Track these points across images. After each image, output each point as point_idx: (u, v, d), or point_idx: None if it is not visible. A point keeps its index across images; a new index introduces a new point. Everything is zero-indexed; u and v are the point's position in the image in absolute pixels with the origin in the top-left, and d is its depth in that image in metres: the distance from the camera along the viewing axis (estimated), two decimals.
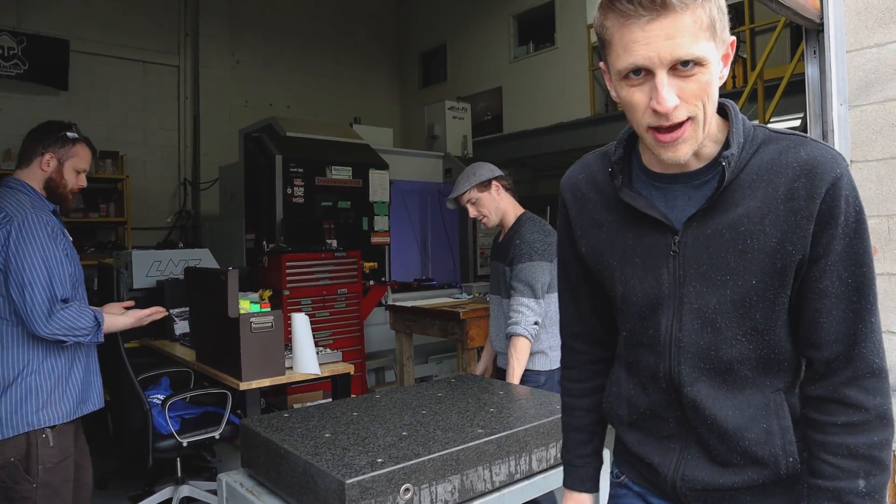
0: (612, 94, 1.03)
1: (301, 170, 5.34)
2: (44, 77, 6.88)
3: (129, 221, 7.26)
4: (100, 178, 7.13)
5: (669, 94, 0.92)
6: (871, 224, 2.45)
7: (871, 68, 2.78)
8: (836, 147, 2.66)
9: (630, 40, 0.92)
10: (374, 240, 5.79)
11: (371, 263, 5.53)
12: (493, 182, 2.76)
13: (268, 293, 3.68)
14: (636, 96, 0.96)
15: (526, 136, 8.18)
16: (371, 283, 5.55)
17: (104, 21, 7.49)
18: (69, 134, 2.38)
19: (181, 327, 4.23)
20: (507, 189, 2.82)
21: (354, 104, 9.43)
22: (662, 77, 0.92)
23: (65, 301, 2.21)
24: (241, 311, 3.13)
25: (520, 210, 2.84)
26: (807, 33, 2.94)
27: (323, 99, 9.25)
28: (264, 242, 5.13)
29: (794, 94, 4.75)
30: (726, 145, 1.02)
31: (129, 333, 4.11)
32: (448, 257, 7.16)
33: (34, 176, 2.33)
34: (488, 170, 2.80)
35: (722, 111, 1.06)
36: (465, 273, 7.08)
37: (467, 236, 7.14)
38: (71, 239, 2.41)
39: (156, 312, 2.71)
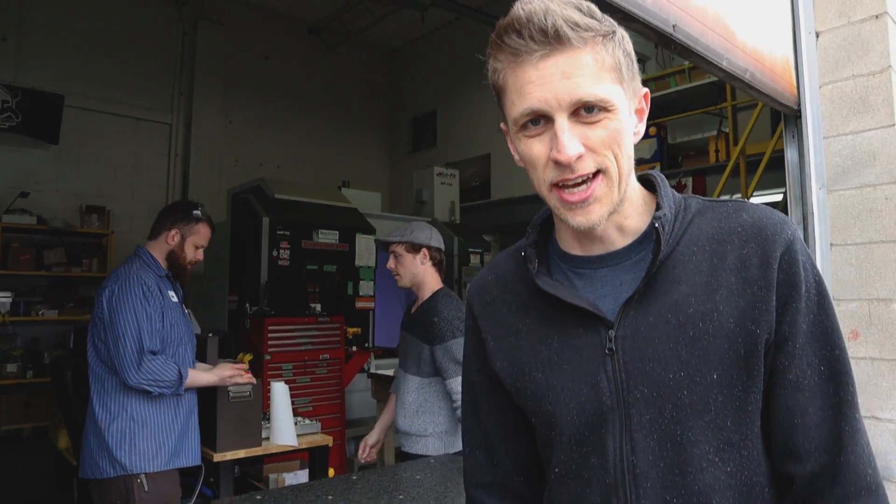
0: (515, 156, 0.89)
1: (288, 232, 5.34)
2: (36, 130, 6.93)
3: None
4: (84, 232, 7.10)
5: (571, 141, 0.79)
6: (852, 308, 2.47)
7: (847, 154, 2.85)
8: (817, 231, 2.71)
9: (524, 82, 0.80)
10: (359, 304, 5.75)
11: (355, 329, 5.48)
12: (423, 249, 2.74)
13: (248, 357, 3.62)
14: (535, 148, 0.82)
15: (513, 203, 8.28)
16: (354, 348, 5.48)
17: (100, 77, 7.60)
18: (195, 213, 2.70)
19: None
20: (434, 262, 2.79)
21: (344, 166, 9.53)
22: (562, 122, 0.79)
23: (153, 353, 2.43)
24: None
25: (439, 285, 2.79)
26: (785, 118, 3.03)
27: (313, 160, 9.35)
28: (247, 305, 5.08)
29: (776, 169, 4.86)
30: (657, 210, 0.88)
31: None
32: None
33: (159, 247, 2.63)
34: (426, 236, 2.77)
35: (649, 185, 0.93)
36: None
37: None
38: (177, 301, 2.70)
39: (237, 374, 2.83)
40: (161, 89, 8.20)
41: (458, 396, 2.52)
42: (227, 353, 3.77)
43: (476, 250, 7.25)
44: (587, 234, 0.88)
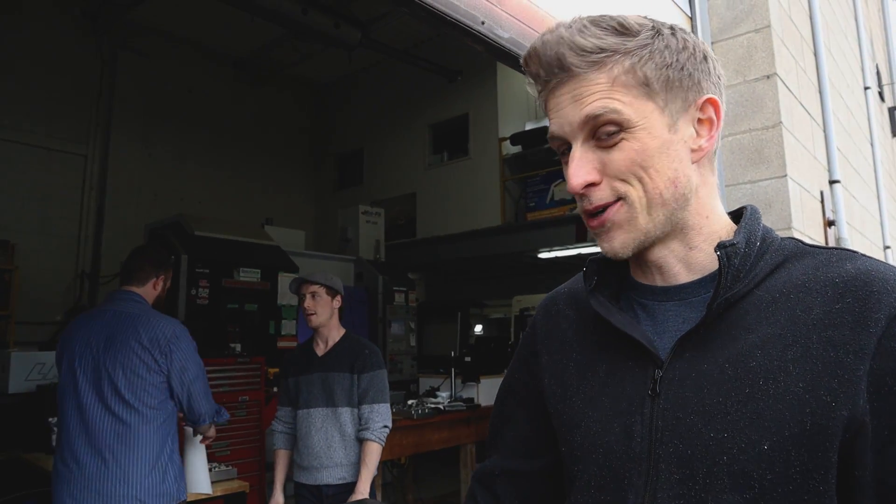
0: None
1: (207, 270, 5.20)
2: None
3: (14, 316, 6.76)
4: None
5: (578, 169, 0.75)
6: None
7: (746, 202, 3.05)
8: None
9: (548, 109, 0.79)
10: (281, 344, 5.63)
11: (275, 369, 5.35)
12: (339, 296, 3.06)
13: None
14: (567, 176, 0.78)
15: (438, 241, 8.37)
16: (275, 389, 5.34)
17: (9, 104, 7.26)
18: (172, 259, 2.97)
19: None
20: (339, 310, 3.09)
21: (269, 202, 9.40)
22: (575, 148, 0.76)
23: None
24: None
25: (342, 329, 3.10)
26: None
27: (236, 196, 9.18)
28: None
29: None
30: None
31: None
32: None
33: (148, 293, 2.76)
34: (340, 285, 3.09)
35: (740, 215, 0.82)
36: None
37: (377, 342, 7.08)
38: None
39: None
40: (76, 119, 7.88)
41: (380, 418, 2.86)
42: None
43: (401, 289, 7.25)
44: (645, 263, 0.81)
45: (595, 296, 0.82)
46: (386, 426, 2.89)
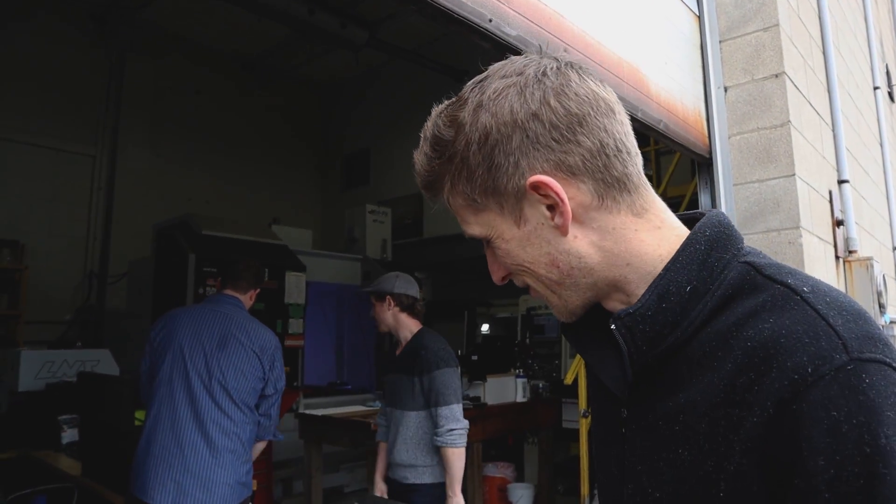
0: None
1: (215, 269, 5.22)
2: None
3: (24, 315, 6.81)
4: None
5: (490, 267, 0.79)
6: None
7: (754, 200, 3.05)
8: None
9: None
10: (288, 343, 5.64)
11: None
12: (388, 297, 3.07)
13: None
14: None
15: (445, 241, 8.36)
16: None
17: (18, 106, 7.30)
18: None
19: (69, 436, 3.91)
20: (402, 307, 3.08)
21: (276, 202, 9.42)
22: (486, 249, 0.79)
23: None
24: (137, 423, 2.95)
25: (417, 327, 3.09)
26: (698, 166, 3.22)
27: (244, 196, 9.21)
28: None
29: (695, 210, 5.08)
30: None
31: (6, 442, 3.80)
32: (364, 361, 7.05)
33: (245, 302, 3.03)
34: (389, 284, 3.10)
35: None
36: (380, 378, 6.97)
37: (384, 341, 7.09)
38: None
39: None
40: (85, 120, 7.93)
41: (444, 422, 2.81)
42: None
43: None
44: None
45: (569, 332, 0.80)
46: (452, 429, 2.81)
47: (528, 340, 6.43)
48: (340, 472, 5.86)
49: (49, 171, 7.56)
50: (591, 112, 0.70)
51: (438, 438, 2.81)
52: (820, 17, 3.72)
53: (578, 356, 4.45)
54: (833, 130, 3.63)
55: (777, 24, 3.02)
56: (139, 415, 2.97)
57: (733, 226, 0.72)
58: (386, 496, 3.04)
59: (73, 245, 7.69)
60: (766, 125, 3.02)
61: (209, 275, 5.20)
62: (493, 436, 5.25)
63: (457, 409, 2.85)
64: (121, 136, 8.09)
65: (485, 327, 8.53)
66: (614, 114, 0.72)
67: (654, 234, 0.72)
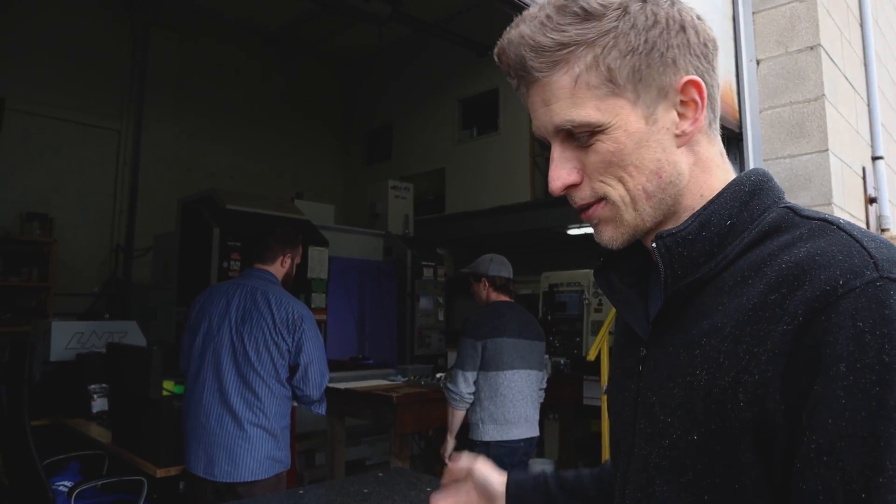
0: None
1: (239, 243, 5.26)
2: None
3: (53, 287, 6.94)
4: (24, 240, 6.85)
5: (556, 171, 0.74)
6: None
7: (785, 177, 2.98)
8: None
9: (527, 106, 0.77)
10: None
11: None
12: (483, 279, 3.47)
13: None
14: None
15: (467, 217, 8.34)
16: None
17: (45, 81, 7.37)
18: (300, 237, 3.22)
19: (99, 405, 4.00)
20: (496, 287, 3.48)
21: (298, 177, 9.46)
22: (554, 149, 0.75)
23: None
24: (165, 393, 3.01)
25: (503, 299, 3.52)
26: (728, 141, 3.15)
27: (266, 171, 9.25)
28: None
29: None
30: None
31: (40, 410, 3.89)
32: (386, 336, 7.10)
33: (277, 271, 3.04)
34: (484, 267, 3.48)
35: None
36: (401, 353, 7.01)
37: (405, 316, 7.12)
38: None
39: None
40: (109, 95, 7.99)
41: (449, 381, 3.44)
42: (174, 366, 3.68)
43: (429, 264, 7.27)
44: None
45: (601, 276, 0.83)
46: (450, 390, 3.33)
47: (549, 317, 6.42)
48: (362, 444, 5.93)
49: (75, 145, 7.65)
50: (716, 53, 0.76)
51: (444, 391, 3.40)
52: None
53: (601, 333, 4.44)
54: (868, 105, 3.53)
55: None
56: (167, 385, 3.03)
57: (775, 180, 0.75)
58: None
59: (100, 219, 7.79)
60: (799, 99, 2.94)
61: (233, 249, 5.24)
62: None
63: (458, 374, 3.31)
64: (145, 111, 8.15)
65: None
66: None
67: (725, 174, 0.76)
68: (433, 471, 5.25)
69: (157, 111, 8.27)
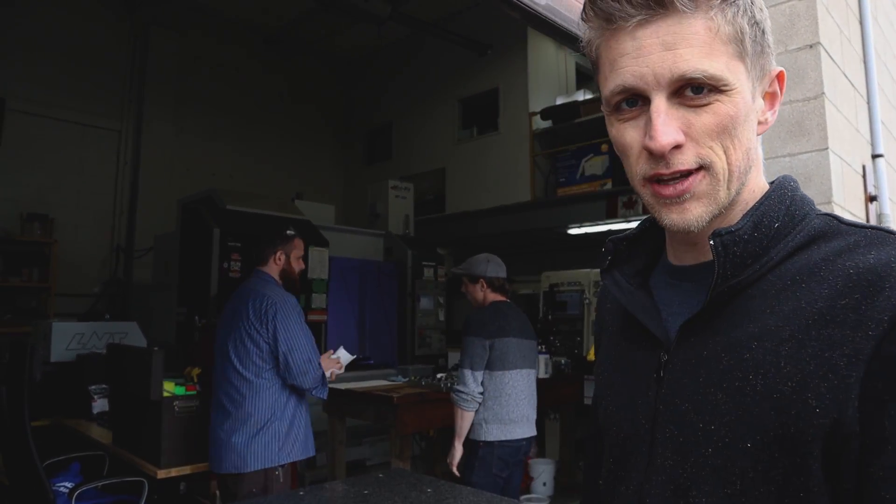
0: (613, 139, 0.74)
1: (239, 244, 5.26)
2: None
3: (54, 288, 6.94)
4: (25, 240, 6.85)
5: (667, 126, 0.65)
6: None
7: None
8: None
9: (617, 54, 0.67)
10: (311, 317, 5.69)
11: None
12: (481, 280, 3.43)
13: (197, 371, 3.55)
14: (628, 134, 0.69)
15: (467, 217, 8.34)
16: None
17: (45, 81, 7.37)
18: (288, 233, 3.22)
19: (100, 405, 4.00)
20: (494, 288, 3.45)
21: (298, 177, 9.46)
22: (659, 103, 0.65)
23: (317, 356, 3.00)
24: (165, 394, 3.01)
25: (501, 299, 3.48)
26: None
27: (267, 170, 9.25)
28: (196, 317, 4.98)
29: None
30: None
31: (40, 411, 3.90)
32: (386, 336, 7.09)
33: (272, 269, 3.12)
34: (482, 268, 3.44)
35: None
36: (402, 353, 7.01)
37: (405, 316, 7.11)
38: None
39: (333, 367, 3.23)
40: (110, 95, 7.99)
41: (456, 382, 3.33)
42: (174, 367, 3.68)
43: (430, 263, 7.26)
44: (682, 240, 0.76)
45: (609, 275, 0.81)
46: (459, 390, 3.23)
47: (550, 317, 6.42)
48: (363, 445, 5.93)
49: (76, 145, 7.65)
50: None
51: (452, 394, 3.28)
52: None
53: None
54: (868, 103, 3.52)
55: None
56: (167, 386, 3.03)
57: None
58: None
59: (100, 219, 7.80)
60: (798, 97, 2.94)
61: (233, 249, 5.24)
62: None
63: (466, 374, 3.22)
64: (146, 111, 8.15)
65: None
66: None
67: (762, 176, 0.76)
68: (434, 471, 5.25)
69: (157, 111, 8.27)
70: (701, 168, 0.67)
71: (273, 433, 2.85)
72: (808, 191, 2.89)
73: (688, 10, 0.64)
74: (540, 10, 1.59)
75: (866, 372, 0.58)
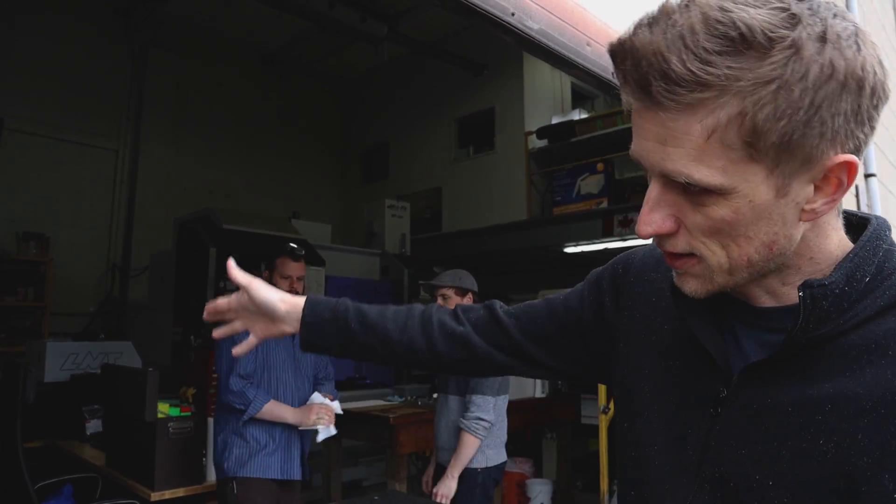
0: None
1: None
2: None
3: (49, 307, 6.92)
4: (20, 260, 6.84)
5: (650, 215, 0.64)
6: None
7: None
8: None
9: (632, 120, 0.64)
10: None
11: None
12: (470, 293, 3.24)
13: (192, 391, 3.54)
14: (640, 214, 0.68)
15: (464, 235, 8.35)
16: None
17: (43, 101, 7.39)
18: (292, 246, 3.15)
19: (93, 426, 3.97)
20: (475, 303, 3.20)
21: (295, 196, 9.47)
22: (652, 189, 0.64)
23: (244, 377, 2.86)
24: (160, 415, 2.99)
25: None
26: None
27: (263, 189, 9.26)
28: (192, 337, 4.96)
29: None
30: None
31: (33, 431, 3.87)
32: None
33: None
34: (470, 282, 3.28)
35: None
36: (398, 373, 6.98)
37: None
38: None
39: (321, 416, 3.05)
40: (108, 114, 8.01)
41: (476, 409, 3.00)
42: (170, 387, 3.66)
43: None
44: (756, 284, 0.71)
45: (681, 296, 0.71)
46: (480, 417, 3.00)
47: None
48: (359, 465, 5.89)
49: (73, 165, 7.66)
50: (885, 101, 0.61)
51: (465, 422, 3.01)
52: (847, 9, 3.65)
53: None
54: None
55: None
56: (162, 407, 3.01)
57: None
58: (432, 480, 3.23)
59: (97, 238, 7.79)
60: None
61: None
62: (512, 431, 5.21)
63: (488, 401, 3.03)
64: (143, 130, 8.18)
65: None
66: None
67: (838, 234, 0.67)
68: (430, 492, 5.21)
69: (154, 131, 8.30)
70: (692, 255, 0.65)
71: (227, 446, 2.88)
72: None
73: (674, 109, 0.57)
74: (533, 34, 1.61)
75: None
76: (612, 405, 4.31)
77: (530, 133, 8.14)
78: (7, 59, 7.11)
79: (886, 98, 0.60)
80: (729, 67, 0.54)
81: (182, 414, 3.07)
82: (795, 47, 0.54)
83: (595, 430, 4.61)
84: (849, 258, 0.63)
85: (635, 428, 0.78)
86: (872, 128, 0.60)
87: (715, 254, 0.63)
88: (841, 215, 0.68)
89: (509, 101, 8.45)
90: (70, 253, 7.40)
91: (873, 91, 0.58)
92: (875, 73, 0.58)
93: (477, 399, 3.00)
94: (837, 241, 0.67)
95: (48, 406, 4.05)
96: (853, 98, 0.56)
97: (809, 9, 0.56)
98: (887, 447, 0.56)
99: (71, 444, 3.84)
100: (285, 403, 2.96)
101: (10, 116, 6.87)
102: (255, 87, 9.57)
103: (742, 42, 0.54)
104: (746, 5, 0.55)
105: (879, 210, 3.48)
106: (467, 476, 3.08)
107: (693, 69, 0.55)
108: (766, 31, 0.54)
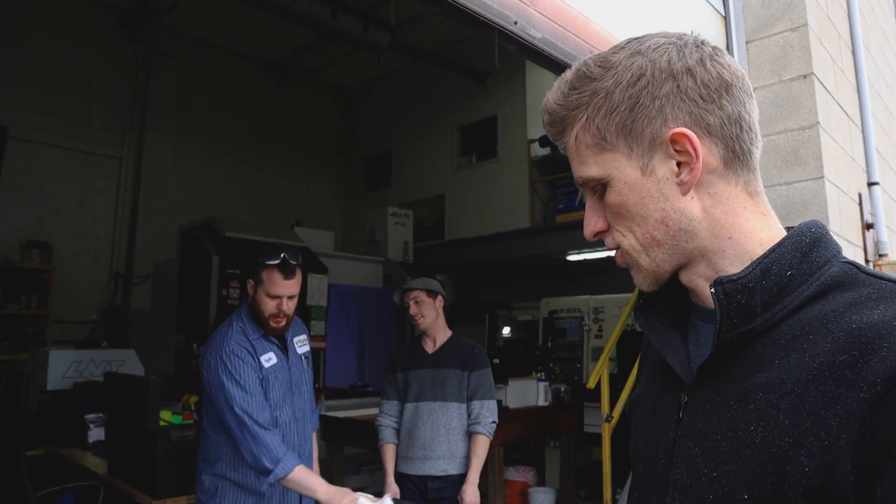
0: None
1: (238, 271, 5.26)
2: None
3: (52, 314, 6.93)
4: (24, 268, 6.85)
5: (587, 220, 0.79)
6: None
7: (781, 204, 3.00)
8: None
9: None
10: (311, 344, 5.67)
11: None
12: (440, 296, 3.22)
13: (194, 399, 3.52)
14: None
15: (467, 243, 8.35)
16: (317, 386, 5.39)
17: (47, 109, 7.44)
18: (260, 259, 2.46)
19: (95, 434, 3.96)
20: (443, 309, 3.25)
21: (298, 204, 9.49)
22: (587, 199, 0.80)
23: (260, 425, 2.29)
24: (161, 423, 2.98)
25: (449, 330, 3.27)
26: None
27: (266, 197, 9.29)
28: (194, 345, 4.96)
29: None
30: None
31: (35, 439, 3.86)
32: (385, 363, 7.06)
33: (247, 300, 2.52)
34: (438, 286, 3.26)
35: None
36: (392, 374, 6.97)
37: (406, 342, 7.08)
38: (274, 363, 2.52)
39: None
40: (111, 123, 8.05)
41: (490, 414, 3.07)
42: (172, 395, 3.66)
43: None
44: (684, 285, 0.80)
45: (640, 314, 0.82)
46: (494, 421, 3.09)
47: (549, 344, 6.40)
48: (362, 473, 5.87)
49: (76, 173, 7.69)
50: (738, 85, 0.74)
51: (482, 427, 3.03)
52: (849, 16, 3.66)
53: (601, 360, 4.42)
54: (863, 132, 3.56)
55: (805, 24, 2.97)
56: (164, 415, 3.00)
57: (831, 234, 0.73)
58: (399, 496, 3.05)
59: (100, 246, 7.80)
60: (793, 127, 2.97)
61: (232, 276, 5.23)
62: (515, 439, 5.22)
63: (495, 405, 3.14)
64: (146, 139, 8.21)
65: (506, 330, 8.51)
66: (751, 98, 0.75)
67: (759, 218, 0.74)
68: None
69: (157, 139, 8.33)
70: (619, 247, 0.78)
71: (212, 485, 2.47)
72: (805, 219, 2.91)
73: (563, 131, 0.78)
74: (536, 43, 1.61)
75: (859, 436, 0.56)
76: (615, 414, 4.29)
77: (533, 141, 8.15)
78: (11, 68, 7.15)
79: (722, 83, 0.72)
80: (576, 96, 0.75)
81: (184, 422, 3.06)
82: (612, 66, 0.74)
83: (598, 438, 4.59)
84: (766, 254, 0.69)
85: (632, 451, 0.86)
86: (715, 103, 0.71)
87: (626, 238, 0.76)
88: (762, 200, 0.76)
89: (512, 108, 8.47)
90: (73, 261, 7.42)
91: (693, 75, 0.71)
92: (690, 64, 0.72)
93: (490, 404, 3.10)
94: (762, 225, 0.74)
95: (50, 414, 4.05)
96: (665, 83, 0.71)
97: (643, 35, 0.77)
98: (803, 425, 0.60)
99: (73, 453, 3.83)
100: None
101: (14, 125, 6.89)
102: (258, 96, 9.62)
103: (587, 76, 0.75)
104: (614, 52, 0.76)
105: (883, 219, 3.48)
106: (457, 479, 3.03)
107: (559, 104, 0.77)
108: (585, 70, 0.75)
